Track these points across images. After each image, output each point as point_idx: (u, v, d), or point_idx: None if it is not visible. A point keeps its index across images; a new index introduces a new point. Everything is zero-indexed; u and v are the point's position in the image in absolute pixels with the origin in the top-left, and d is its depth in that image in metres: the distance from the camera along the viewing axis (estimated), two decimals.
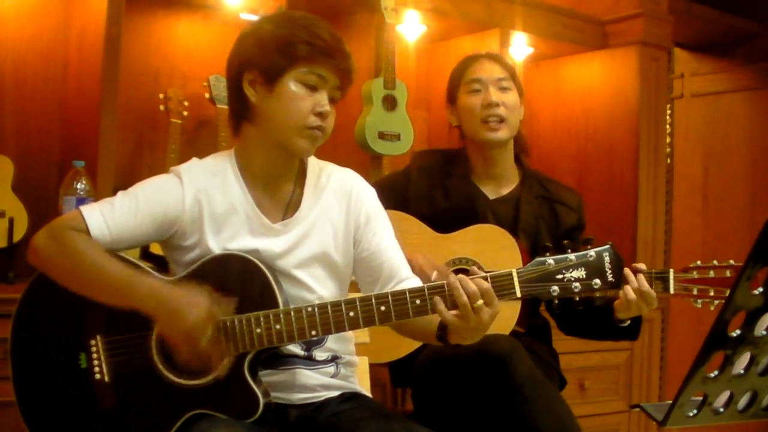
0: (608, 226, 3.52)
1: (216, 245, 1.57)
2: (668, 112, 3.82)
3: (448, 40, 3.47)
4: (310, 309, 1.46)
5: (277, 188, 1.63)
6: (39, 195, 2.54)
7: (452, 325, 1.44)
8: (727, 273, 1.74)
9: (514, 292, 1.44)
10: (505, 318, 1.92)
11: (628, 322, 1.84)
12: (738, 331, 1.22)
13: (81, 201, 2.33)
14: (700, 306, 1.78)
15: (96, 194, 2.37)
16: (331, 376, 1.63)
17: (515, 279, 1.44)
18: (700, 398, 1.28)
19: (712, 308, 1.74)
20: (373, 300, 1.46)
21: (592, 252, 1.43)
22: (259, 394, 1.47)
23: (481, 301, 1.41)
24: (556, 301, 1.44)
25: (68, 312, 1.52)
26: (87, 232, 1.49)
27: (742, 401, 1.31)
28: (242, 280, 1.51)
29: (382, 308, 1.45)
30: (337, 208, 1.65)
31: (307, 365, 1.61)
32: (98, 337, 1.51)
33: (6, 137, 2.63)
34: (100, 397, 1.51)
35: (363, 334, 1.84)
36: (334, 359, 1.65)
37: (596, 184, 3.63)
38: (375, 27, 2.99)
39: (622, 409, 3.41)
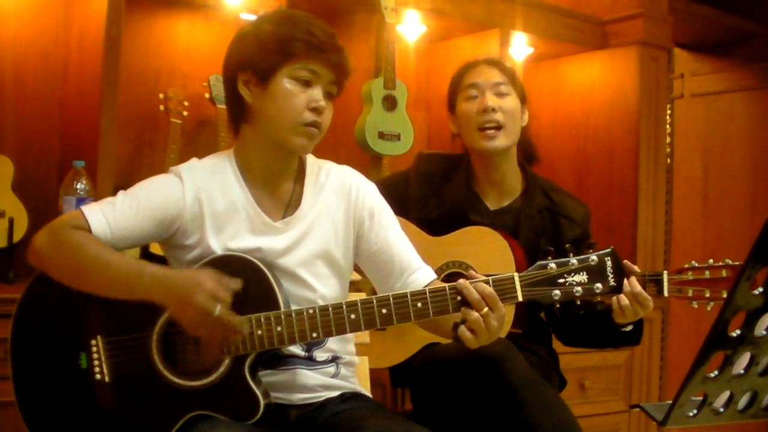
0: (608, 226, 3.52)
1: (217, 244, 1.57)
2: (668, 112, 3.82)
3: (448, 40, 3.47)
4: (311, 311, 1.46)
5: (277, 187, 1.63)
6: (39, 195, 2.54)
7: (464, 337, 1.44)
8: (724, 273, 1.72)
9: (516, 296, 1.44)
10: None
11: (630, 327, 1.83)
12: (738, 331, 1.22)
13: (81, 201, 2.33)
14: (696, 307, 1.77)
15: (96, 194, 2.37)
16: (332, 377, 1.64)
17: (517, 283, 1.44)
18: (700, 398, 1.28)
19: (708, 309, 1.73)
20: (375, 302, 1.46)
21: (594, 256, 1.43)
22: (260, 396, 1.47)
23: (486, 309, 1.41)
24: (558, 306, 1.43)
25: (68, 312, 1.52)
26: (88, 230, 1.50)
27: (742, 401, 1.31)
28: (243, 281, 1.51)
29: (384, 311, 1.45)
30: (336, 205, 1.65)
31: (308, 365, 1.61)
32: (99, 338, 1.51)
33: (6, 137, 2.63)
34: (100, 397, 1.51)
35: (363, 335, 1.84)
36: (334, 359, 1.65)
37: (596, 184, 3.63)
38: (375, 27, 2.99)
39: (622, 409, 3.41)
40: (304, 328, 1.46)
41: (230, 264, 1.53)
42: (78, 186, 2.38)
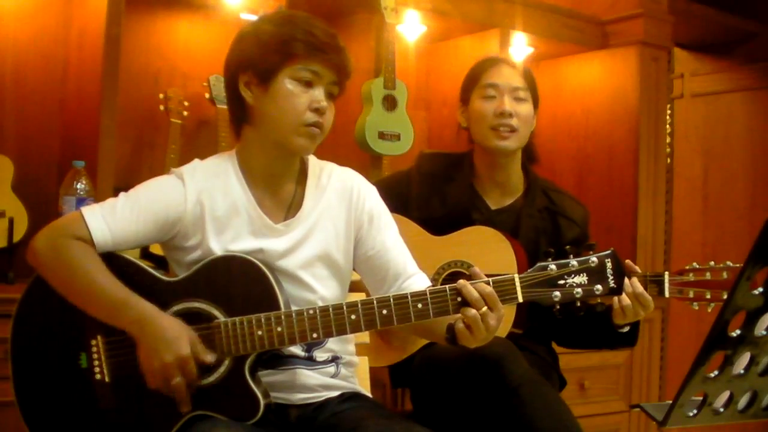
0: (608, 226, 3.52)
1: (218, 246, 1.57)
2: (668, 112, 3.82)
3: (448, 40, 3.46)
4: (311, 311, 1.46)
5: (279, 188, 1.63)
6: (39, 195, 2.54)
7: (461, 333, 1.45)
8: (724, 275, 1.72)
9: (516, 297, 1.44)
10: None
11: (627, 328, 1.83)
12: (738, 331, 1.22)
13: (81, 201, 2.33)
14: (697, 308, 1.77)
15: (96, 194, 2.37)
16: (332, 377, 1.64)
17: (517, 284, 1.43)
18: (700, 398, 1.28)
19: (709, 310, 1.73)
20: (375, 303, 1.45)
21: (594, 258, 1.43)
22: (260, 396, 1.47)
23: (485, 308, 1.41)
24: (558, 307, 1.43)
25: (69, 312, 1.52)
26: (88, 234, 1.49)
27: (742, 401, 1.31)
28: (243, 282, 1.51)
29: (384, 312, 1.45)
30: (338, 208, 1.65)
31: (308, 365, 1.61)
32: (99, 337, 1.51)
33: (6, 137, 2.62)
34: (100, 397, 1.51)
35: (363, 335, 1.84)
36: (334, 359, 1.65)
37: (596, 184, 3.63)
38: (375, 27, 2.99)
39: (622, 409, 3.41)
40: (304, 329, 1.46)
41: (231, 264, 1.53)
42: (78, 186, 2.37)
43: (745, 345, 1.23)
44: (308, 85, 1.55)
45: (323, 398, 1.61)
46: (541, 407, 1.73)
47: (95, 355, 1.51)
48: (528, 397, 1.73)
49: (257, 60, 1.54)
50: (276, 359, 1.57)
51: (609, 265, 1.42)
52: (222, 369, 1.48)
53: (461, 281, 1.44)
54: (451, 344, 1.51)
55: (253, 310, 1.48)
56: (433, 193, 2.18)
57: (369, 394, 1.74)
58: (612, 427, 3.39)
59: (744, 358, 1.25)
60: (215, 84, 2.79)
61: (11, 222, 2.43)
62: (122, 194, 1.57)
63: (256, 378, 1.50)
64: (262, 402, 1.46)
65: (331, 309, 1.47)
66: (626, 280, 1.69)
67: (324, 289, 1.62)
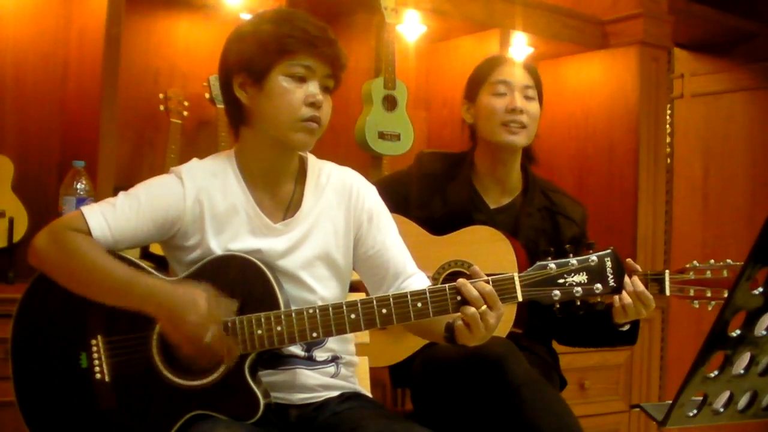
0: (608, 226, 3.52)
1: (217, 245, 1.57)
2: (668, 112, 3.82)
3: (448, 40, 3.47)
4: (311, 311, 1.46)
5: (278, 188, 1.63)
6: (39, 195, 2.55)
7: (460, 331, 1.45)
8: (725, 273, 1.72)
9: (516, 296, 1.44)
10: (502, 321, 1.92)
11: (627, 326, 1.83)
12: (738, 331, 1.22)
13: (81, 201, 2.33)
14: (698, 306, 1.77)
15: (96, 194, 2.37)
16: (332, 376, 1.63)
17: (517, 283, 1.43)
18: (700, 398, 1.28)
19: (709, 308, 1.73)
20: (375, 302, 1.45)
21: (593, 257, 1.43)
22: (260, 395, 1.47)
23: (484, 306, 1.41)
24: (558, 306, 1.43)
25: (69, 311, 1.52)
26: (88, 232, 1.49)
27: (742, 401, 1.31)
28: (243, 281, 1.51)
29: (384, 311, 1.45)
30: (337, 207, 1.65)
31: (308, 365, 1.61)
32: (99, 337, 1.51)
33: (6, 137, 2.63)
34: (100, 397, 1.51)
35: (363, 335, 1.84)
36: (334, 359, 1.65)
37: (596, 184, 3.63)
38: (375, 27, 2.99)
39: (622, 409, 3.41)
40: (304, 328, 1.46)
41: (231, 264, 1.53)
42: (78, 186, 2.38)
43: (745, 345, 1.23)
44: (302, 80, 1.54)
45: (323, 398, 1.61)
46: (542, 407, 1.73)
47: (95, 355, 1.51)
48: (529, 397, 1.73)
49: (249, 60, 1.54)
50: (276, 359, 1.57)
51: (609, 264, 1.43)
52: (222, 368, 1.48)
53: (461, 280, 1.44)
54: (449, 343, 1.51)
55: (253, 309, 1.48)
56: (433, 192, 2.18)
57: (369, 394, 1.74)
58: (612, 427, 3.39)
59: (744, 358, 1.25)
60: (215, 84, 2.79)
61: (11, 222, 2.43)
62: (122, 193, 1.57)
63: (256, 378, 1.50)
64: (262, 402, 1.46)
65: (330, 308, 1.47)
66: (627, 278, 1.69)
67: (324, 289, 1.62)
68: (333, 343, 1.64)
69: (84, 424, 1.52)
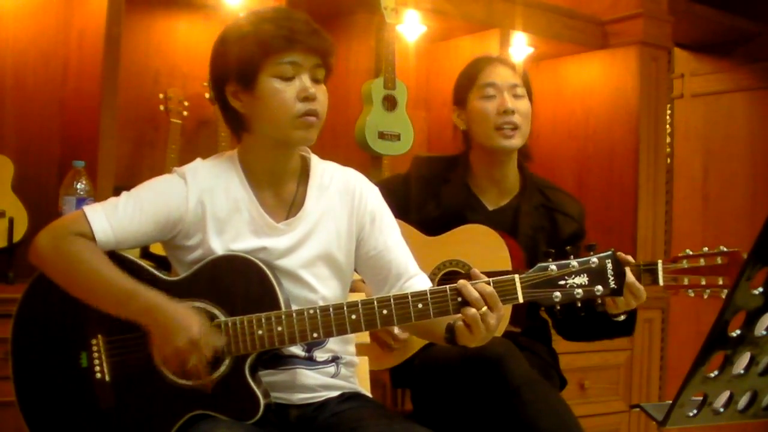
0: (608, 226, 3.52)
1: (219, 245, 1.57)
2: (668, 112, 3.82)
3: (448, 40, 3.47)
4: (311, 311, 1.46)
5: (281, 188, 1.63)
6: (39, 195, 2.54)
7: (461, 332, 1.45)
8: (719, 260, 1.68)
9: (517, 298, 1.44)
10: None
11: (623, 317, 1.82)
12: (738, 331, 1.22)
13: (81, 201, 2.33)
14: (693, 295, 1.74)
15: (96, 194, 2.37)
16: (332, 377, 1.63)
17: (518, 284, 1.43)
18: (700, 398, 1.28)
19: (705, 297, 1.70)
20: (375, 303, 1.45)
21: (594, 258, 1.42)
22: (260, 395, 1.47)
23: (485, 308, 1.41)
24: (558, 307, 1.43)
25: (69, 311, 1.52)
26: (90, 232, 1.49)
27: (742, 401, 1.31)
28: (244, 281, 1.51)
29: (384, 312, 1.45)
30: (340, 207, 1.65)
31: (308, 365, 1.61)
32: (99, 337, 1.51)
33: (6, 137, 2.63)
34: (100, 396, 1.51)
35: (363, 335, 1.84)
36: (334, 359, 1.65)
37: (596, 184, 3.63)
38: (375, 27, 2.99)
39: (622, 409, 3.41)
40: (304, 328, 1.46)
41: (231, 264, 1.53)
42: (78, 186, 2.38)
43: (745, 345, 1.23)
44: (292, 76, 1.53)
45: (323, 398, 1.61)
46: (542, 407, 1.73)
47: (96, 355, 1.51)
48: (529, 397, 1.73)
49: (236, 68, 1.54)
50: (276, 359, 1.57)
51: (609, 265, 1.42)
52: (222, 368, 1.48)
53: (461, 281, 1.44)
54: (450, 344, 1.51)
55: (254, 309, 1.48)
56: (428, 196, 2.17)
57: (369, 394, 1.74)
58: (612, 427, 3.39)
59: (744, 358, 1.26)
60: None
61: (11, 222, 2.43)
62: (124, 193, 1.57)
63: (257, 378, 1.50)
64: (262, 402, 1.46)
65: (331, 309, 1.46)
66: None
67: (325, 289, 1.62)
68: (333, 344, 1.64)
69: (84, 423, 1.52)
